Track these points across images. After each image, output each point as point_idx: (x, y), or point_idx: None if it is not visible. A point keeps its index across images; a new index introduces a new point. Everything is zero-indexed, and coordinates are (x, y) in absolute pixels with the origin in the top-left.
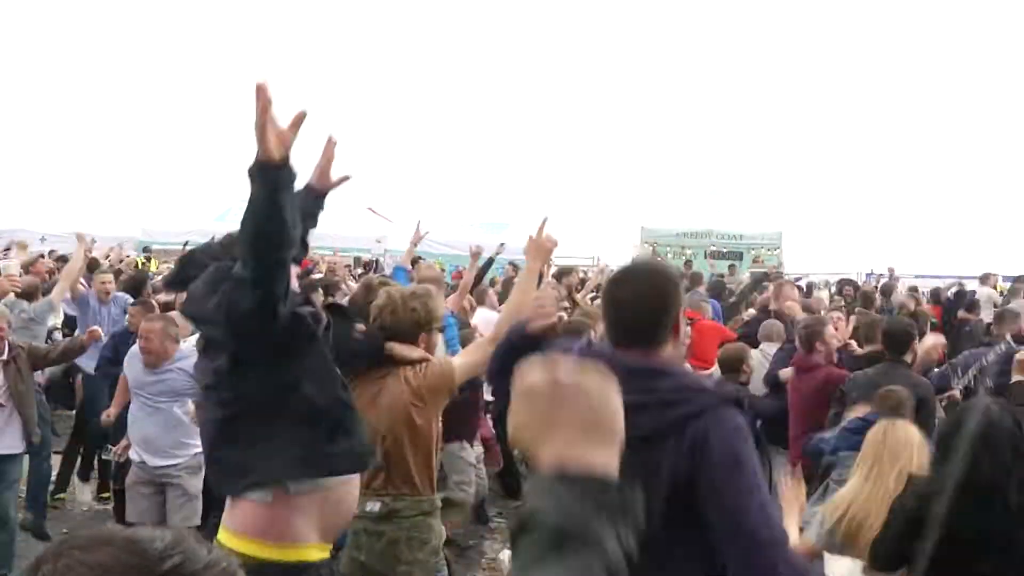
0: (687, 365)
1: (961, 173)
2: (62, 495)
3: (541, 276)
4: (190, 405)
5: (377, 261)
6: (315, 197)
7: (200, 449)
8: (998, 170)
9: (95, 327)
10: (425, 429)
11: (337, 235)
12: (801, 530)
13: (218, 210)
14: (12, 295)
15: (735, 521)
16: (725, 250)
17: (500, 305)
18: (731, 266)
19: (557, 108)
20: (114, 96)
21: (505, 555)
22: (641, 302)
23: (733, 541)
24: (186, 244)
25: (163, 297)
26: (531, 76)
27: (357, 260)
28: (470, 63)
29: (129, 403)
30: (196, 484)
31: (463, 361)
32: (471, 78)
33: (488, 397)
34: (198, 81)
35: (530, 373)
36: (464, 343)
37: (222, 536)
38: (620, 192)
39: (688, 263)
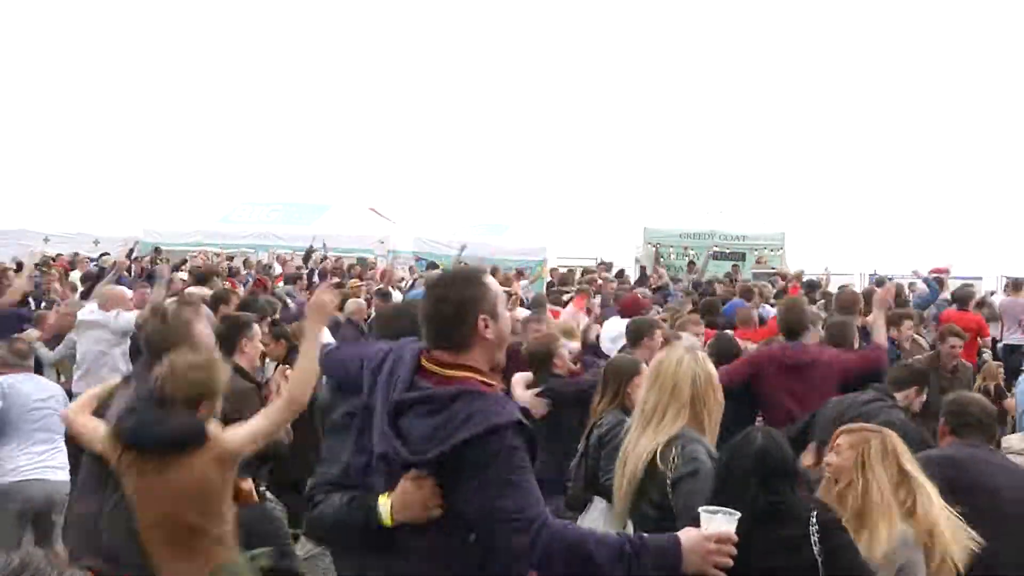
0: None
1: (964, 174)
2: None
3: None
4: None
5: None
6: None
7: None
8: (1001, 170)
9: None
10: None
11: (340, 236)
12: None
13: (222, 211)
14: None
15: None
16: (728, 250)
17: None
18: (734, 266)
19: (559, 109)
20: (118, 96)
21: None
22: (441, 307)
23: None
24: None
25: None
26: (533, 78)
27: (361, 261)
28: (472, 64)
29: None
30: None
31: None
32: (473, 80)
33: None
34: (202, 82)
35: None
36: None
37: None
38: (623, 193)
39: (692, 263)
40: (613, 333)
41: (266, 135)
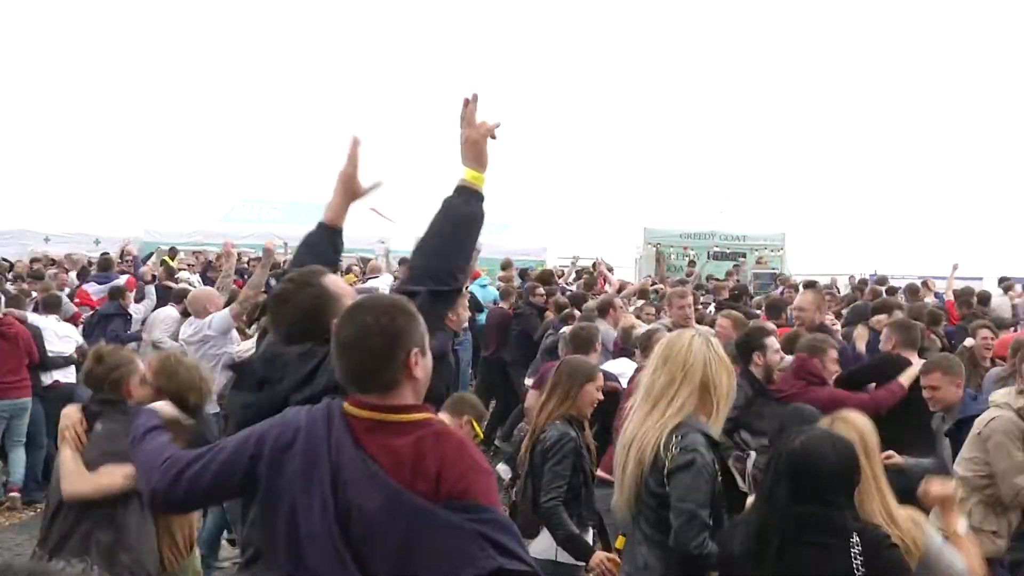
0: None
1: (964, 174)
2: None
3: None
4: None
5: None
6: (332, 231)
7: None
8: (1001, 171)
9: None
10: None
11: None
12: None
13: (222, 210)
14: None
15: None
16: (728, 251)
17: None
18: (735, 267)
19: (560, 109)
20: (118, 96)
21: None
22: (366, 342)
23: None
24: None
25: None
26: (534, 77)
27: (363, 261)
28: (472, 64)
29: None
30: None
31: None
32: (474, 79)
33: None
34: (201, 81)
35: None
36: None
37: None
38: (623, 193)
39: (692, 263)
40: None
41: (266, 135)
